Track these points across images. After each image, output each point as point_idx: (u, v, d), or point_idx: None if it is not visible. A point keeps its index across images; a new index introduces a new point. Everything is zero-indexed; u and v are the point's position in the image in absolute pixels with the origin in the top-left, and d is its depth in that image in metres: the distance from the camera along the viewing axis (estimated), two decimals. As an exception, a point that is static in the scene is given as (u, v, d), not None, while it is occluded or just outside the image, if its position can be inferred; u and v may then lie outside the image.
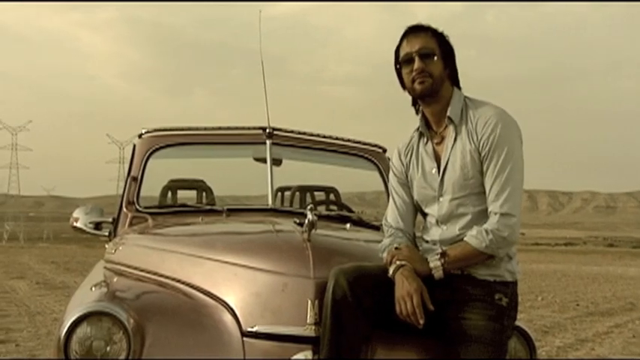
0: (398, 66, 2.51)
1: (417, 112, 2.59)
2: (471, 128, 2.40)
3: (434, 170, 2.49)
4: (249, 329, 2.31)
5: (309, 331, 2.25)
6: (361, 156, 4.05)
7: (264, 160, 3.70)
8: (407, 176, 2.60)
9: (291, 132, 3.92)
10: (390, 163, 2.73)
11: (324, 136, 4.04)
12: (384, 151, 4.09)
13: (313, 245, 2.38)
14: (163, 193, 4.08)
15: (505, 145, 2.34)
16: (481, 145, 2.37)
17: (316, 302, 2.26)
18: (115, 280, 2.79)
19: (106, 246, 3.54)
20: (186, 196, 4.38)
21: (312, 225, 2.40)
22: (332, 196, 4.39)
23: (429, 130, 2.55)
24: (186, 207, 3.75)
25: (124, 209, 3.57)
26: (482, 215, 2.37)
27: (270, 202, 3.55)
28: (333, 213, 3.90)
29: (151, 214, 3.55)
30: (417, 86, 2.44)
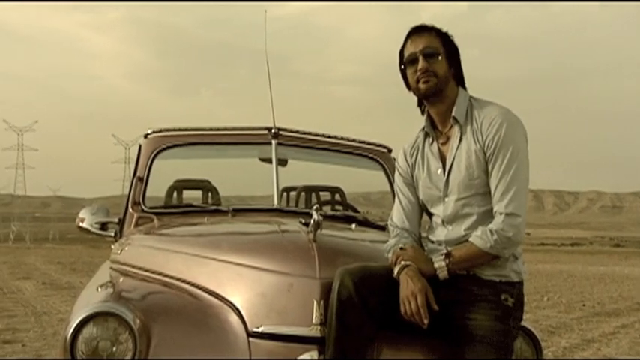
0: (402, 66, 2.51)
1: (422, 113, 2.58)
2: (476, 128, 2.40)
3: (439, 170, 2.49)
4: (255, 329, 2.31)
5: (314, 331, 2.25)
6: (366, 156, 4.05)
7: (269, 161, 3.71)
8: (412, 176, 2.60)
9: (297, 132, 3.93)
10: (396, 164, 2.72)
11: (330, 137, 4.04)
12: (390, 151, 4.08)
13: (319, 245, 2.38)
14: (169, 194, 4.09)
15: (510, 144, 2.33)
16: (486, 145, 2.36)
17: (322, 302, 2.26)
18: (121, 280, 2.79)
19: (112, 246, 3.55)
20: (192, 196, 4.38)
21: (317, 225, 2.40)
22: (337, 197, 4.39)
23: (435, 130, 2.54)
24: (191, 207, 3.76)
25: (130, 210, 3.58)
26: (488, 215, 2.36)
27: (275, 202, 3.55)
28: (338, 213, 3.90)
29: (156, 214, 3.56)
30: (421, 86, 2.44)
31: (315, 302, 2.27)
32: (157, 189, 3.91)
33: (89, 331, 2.23)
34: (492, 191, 2.35)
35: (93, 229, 3.72)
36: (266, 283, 2.37)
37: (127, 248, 3.18)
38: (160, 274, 2.72)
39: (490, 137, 2.36)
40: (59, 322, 8.39)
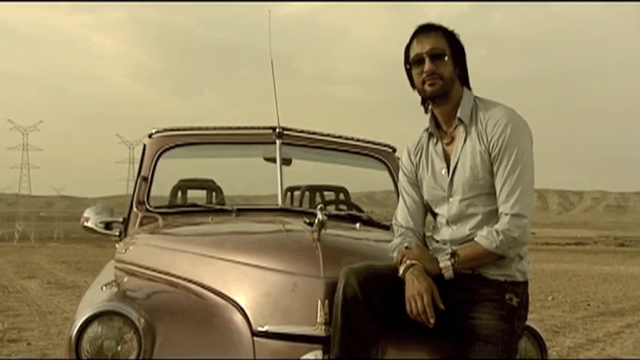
0: (408, 66, 2.50)
1: (425, 111, 2.58)
2: (481, 129, 2.40)
3: (443, 171, 2.48)
4: (260, 329, 2.31)
5: (319, 330, 2.25)
6: (371, 155, 4.04)
7: (273, 160, 3.71)
8: (417, 176, 2.59)
9: (301, 132, 3.93)
10: (400, 163, 2.72)
11: (334, 136, 4.04)
12: (394, 150, 4.08)
13: (323, 245, 2.38)
14: (173, 193, 4.09)
15: (515, 145, 2.33)
16: (491, 145, 2.36)
17: (326, 302, 2.26)
18: (125, 279, 2.79)
19: (117, 246, 3.55)
20: (196, 195, 4.38)
21: (321, 225, 2.40)
22: (342, 196, 4.39)
23: (439, 130, 2.54)
24: (196, 207, 3.76)
25: (135, 209, 3.58)
26: (493, 215, 2.36)
27: (279, 201, 3.55)
28: (342, 213, 3.90)
29: (161, 213, 3.56)
30: (427, 88, 2.43)
31: (319, 302, 2.27)
32: (162, 188, 3.91)
33: (94, 330, 2.24)
34: (498, 192, 2.35)
35: (97, 229, 3.72)
36: (270, 282, 2.37)
37: (131, 247, 3.19)
38: (164, 273, 2.72)
39: (495, 138, 2.35)
40: (64, 322, 8.41)
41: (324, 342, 2.24)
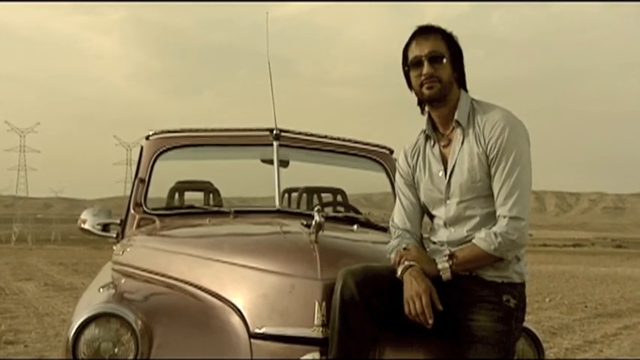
0: (406, 68, 2.50)
1: (422, 112, 2.57)
2: (479, 131, 2.40)
3: (441, 173, 2.48)
4: (257, 331, 2.31)
5: (316, 332, 2.25)
6: (368, 157, 4.04)
7: (271, 162, 3.71)
8: (413, 178, 2.59)
9: (298, 133, 3.92)
10: (397, 165, 2.72)
11: (331, 138, 4.04)
12: (391, 152, 4.08)
13: (320, 247, 2.38)
14: (171, 195, 4.09)
15: (513, 148, 2.33)
16: (489, 148, 2.36)
17: (324, 304, 2.26)
18: (122, 281, 2.79)
19: (114, 247, 3.55)
20: (194, 197, 4.38)
21: (319, 226, 2.40)
22: (339, 198, 4.39)
23: (436, 132, 2.54)
24: (193, 208, 3.76)
25: (132, 211, 3.58)
26: (490, 218, 2.36)
27: (277, 203, 3.55)
28: (340, 214, 3.90)
29: (158, 215, 3.56)
30: (425, 91, 2.43)
31: (317, 303, 2.27)
32: (159, 190, 3.91)
33: (91, 332, 2.23)
34: (495, 194, 2.35)
35: (95, 231, 3.72)
36: (268, 284, 2.37)
37: (128, 249, 3.18)
38: (161, 275, 2.71)
39: (493, 140, 2.35)
40: (61, 324, 8.40)
41: (322, 344, 2.24)
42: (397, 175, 2.68)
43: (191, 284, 2.56)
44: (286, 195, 4.26)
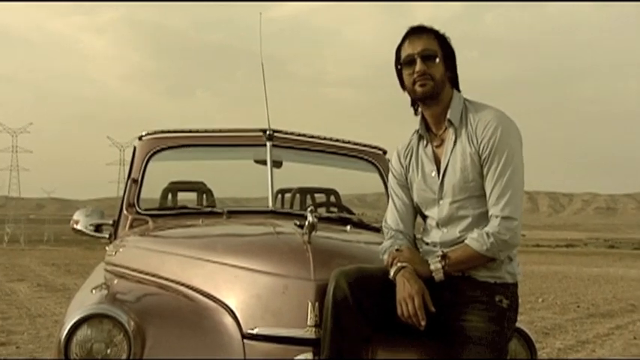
0: (399, 66, 2.50)
1: (415, 113, 2.58)
2: (471, 131, 2.40)
3: (433, 173, 2.48)
4: (250, 331, 2.31)
5: (309, 333, 2.25)
6: (361, 158, 4.05)
7: (264, 162, 3.70)
8: (406, 178, 2.60)
9: (292, 134, 3.92)
10: (390, 165, 2.72)
11: (325, 138, 4.04)
12: (384, 152, 4.08)
13: (313, 247, 2.38)
14: (164, 195, 4.08)
15: (505, 148, 2.34)
16: (481, 148, 2.36)
17: (317, 304, 2.26)
18: (115, 282, 2.79)
19: (107, 248, 3.54)
20: (187, 198, 4.38)
21: (312, 227, 2.40)
22: (332, 198, 4.39)
23: (429, 132, 2.54)
24: (186, 209, 3.75)
25: (125, 211, 3.57)
26: (483, 218, 2.36)
27: (270, 204, 3.55)
28: (333, 215, 3.90)
29: (151, 216, 3.55)
30: (417, 89, 2.43)
31: (310, 304, 2.27)
32: (152, 191, 3.90)
33: (83, 333, 2.23)
34: (488, 194, 2.35)
35: (87, 231, 3.71)
36: (261, 284, 2.37)
37: (121, 250, 3.18)
38: (154, 276, 2.71)
39: (485, 140, 2.36)
40: (53, 324, 8.37)
41: (315, 344, 2.24)
42: (390, 176, 2.68)
43: (184, 285, 2.56)
44: (279, 195, 4.26)
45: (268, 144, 3.75)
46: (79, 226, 3.73)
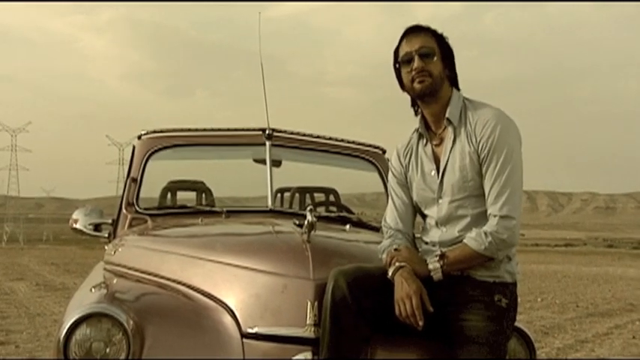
0: (397, 65, 2.50)
1: (415, 113, 2.58)
2: (470, 130, 2.40)
3: (433, 172, 2.48)
4: (249, 330, 2.31)
5: (308, 332, 2.25)
6: (361, 157, 4.05)
7: (263, 162, 3.71)
8: (406, 177, 2.60)
9: (291, 133, 3.93)
10: (389, 164, 2.72)
11: (324, 137, 4.04)
12: (384, 152, 4.09)
13: (313, 246, 2.38)
14: (163, 195, 4.08)
15: (504, 147, 2.34)
16: (480, 147, 2.36)
17: (316, 303, 2.26)
18: (114, 281, 2.79)
19: (106, 247, 3.54)
20: (186, 197, 4.38)
21: (311, 226, 2.40)
22: (331, 197, 4.39)
23: (428, 131, 2.54)
24: (185, 208, 3.76)
25: (124, 210, 3.57)
26: (482, 217, 2.36)
27: (269, 203, 3.55)
28: (332, 214, 3.90)
29: (150, 215, 3.55)
30: (416, 85, 2.43)
31: (309, 303, 2.27)
32: (151, 190, 3.90)
33: (82, 332, 2.23)
34: (486, 193, 2.35)
35: (86, 231, 3.71)
36: (260, 284, 2.37)
37: (120, 249, 3.18)
38: (153, 275, 2.71)
39: (484, 139, 2.36)
40: (53, 324, 8.37)
41: (314, 343, 2.24)
42: (390, 175, 2.68)
43: (183, 284, 2.56)
44: (279, 195, 4.26)
45: (267, 143, 3.75)
46: (78, 226, 3.73)
